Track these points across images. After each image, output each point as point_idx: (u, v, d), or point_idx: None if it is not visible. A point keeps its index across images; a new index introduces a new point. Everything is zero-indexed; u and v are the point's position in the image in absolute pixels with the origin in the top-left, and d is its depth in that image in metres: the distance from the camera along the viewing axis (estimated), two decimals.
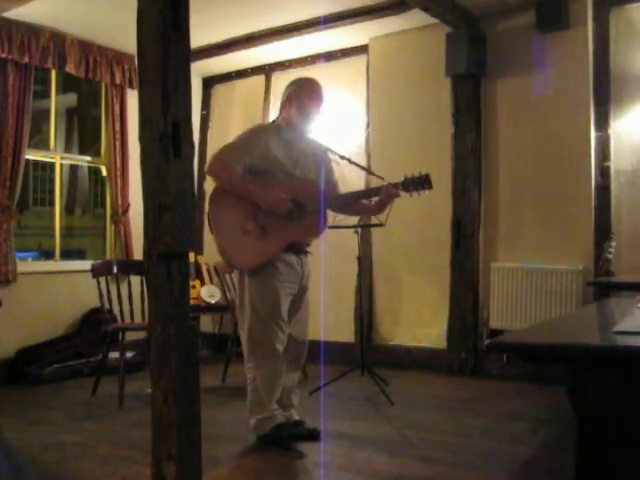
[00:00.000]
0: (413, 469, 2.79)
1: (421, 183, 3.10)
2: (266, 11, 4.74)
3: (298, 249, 3.12)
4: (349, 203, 3.25)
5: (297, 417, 3.22)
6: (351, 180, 3.60)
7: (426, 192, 3.13)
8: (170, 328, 2.17)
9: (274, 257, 3.02)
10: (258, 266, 3.01)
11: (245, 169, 3.01)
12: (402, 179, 3.12)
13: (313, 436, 3.12)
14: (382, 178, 3.17)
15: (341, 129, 5.30)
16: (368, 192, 3.31)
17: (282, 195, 3.00)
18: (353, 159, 3.27)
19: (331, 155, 3.31)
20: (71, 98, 9.41)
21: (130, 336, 4.43)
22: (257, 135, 3.12)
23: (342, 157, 3.25)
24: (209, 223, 3.05)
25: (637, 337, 1.57)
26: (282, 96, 3.21)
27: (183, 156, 2.18)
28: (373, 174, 3.36)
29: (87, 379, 4.47)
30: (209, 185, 6.09)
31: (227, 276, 4.75)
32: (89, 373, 4.64)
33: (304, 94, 3.13)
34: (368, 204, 3.28)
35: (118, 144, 5.41)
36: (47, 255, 5.85)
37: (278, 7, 4.65)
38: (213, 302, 5.31)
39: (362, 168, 3.55)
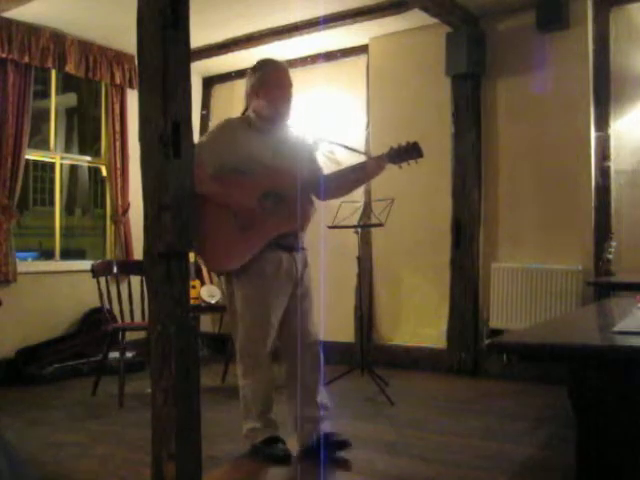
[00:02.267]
0: (413, 469, 2.79)
1: (408, 152, 2.87)
2: (266, 11, 4.74)
3: (287, 246, 2.91)
4: (336, 183, 3.01)
5: (327, 430, 2.95)
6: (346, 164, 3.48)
7: (416, 161, 2.89)
8: (170, 328, 2.16)
9: (257, 255, 2.82)
10: (242, 268, 2.83)
11: (215, 170, 2.83)
12: (387, 150, 2.91)
13: (342, 447, 2.90)
14: (366, 154, 2.95)
15: (341, 129, 5.29)
16: (352, 169, 2.98)
17: (246, 196, 2.81)
18: (353, 160, 3.15)
19: (307, 140, 3.11)
20: (71, 98, 9.41)
21: (130, 336, 4.43)
22: (224, 131, 2.93)
23: (319, 140, 3.08)
24: None
25: (637, 337, 1.57)
26: (245, 85, 3.00)
27: (183, 156, 2.18)
28: (356, 151, 3.13)
29: (87, 379, 4.47)
30: None
31: None
32: (89, 373, 4.64)
33: (269, 83, 2.92)
34: (356, 178, 3.02)
35: (118, 144, 5.41)
36: (47, 255, 5.84)
37: (278, 7, 4.65)
38: (213, 302, 5.31)
39: (343, 146, 3.24)
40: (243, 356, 2.93)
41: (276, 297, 2.90)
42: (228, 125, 3.00)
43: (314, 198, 3.04)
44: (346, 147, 3.17)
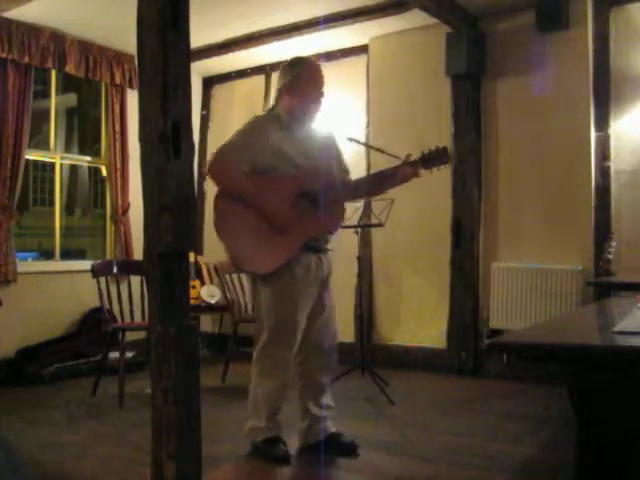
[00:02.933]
0: (413, 469, 2.79)
1: (439, 158, 2.82)
2: (266, 11, 4.74)
3: (317, 248, 2.88)
4: (365, 188, 3.01)
5: (333, 429, 3.02)
6: (351, 162, 3.46)
7: (444, 167, 2.86)
8: (170, 328, 2.16)
9: (292, 258, 2.78)
10: (276, 270, 2.77)
11: (251, 168, 2.78)
12: (419, 156, 2.84)
13: (349, 451, 2.93)
14: (397, 157, 2.89)
15: (341, 129, 5.28)
16: (384, 174, 2.93)
17: (282, 202, 2.77)
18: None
19: (337, 139, 3.09)
20: (71, 98, 9.40)
21: (130, 336, 4.43)
22: (256, 130, 2.86)
23: (350, 139, 3.04)
24: (216, 231, 2.81)
25: (637, 337, 1.57)
26: (278, 82, 2.94)
27: (183, 156, 2.18)
28: (387, 153, 3.06)
29: (87, 379, 4.47)
30: (209, 185, 6.12)
31: (227, 276, 4.76)
32: (89, 373, 4.63)
33: (304, 80, 2.87)
34: (385, 183, 2.97)
35: (118, 144, 5.41)
36: (47, 255, 5.84)
37: (278, 7, 4.65)
38: (213, 302, 5.31)
39: (374, 148, 3.17)
40: (265, 356, 2.88)
41: (304, 300, 2.86)
42: (259, 123, 2.92)
43: None
44: (379, 150, 3.11)
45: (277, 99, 2.95)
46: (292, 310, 2.82)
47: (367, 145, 3.04)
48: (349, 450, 2.93)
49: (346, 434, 3.03)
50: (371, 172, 2.98)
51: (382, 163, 3.07)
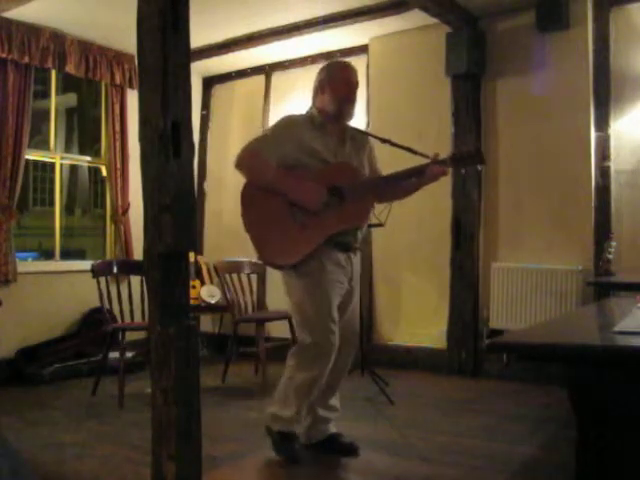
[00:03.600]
0: (413, 469, 2.79)
1: (472, 158, 2.86)
2: (266, 11, 4.74)
3: (346, 246, 2.87)
4: (393, 186, 3.01)
5: (334, 430, 3.02)
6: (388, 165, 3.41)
7: (479, 167, 2.90)
8: (170, 328, 2.16)
9: (317, 251, 2.78)
10: (299, 263, 2.79)
11: (278, 163, 2.81)
12: (450, 154, 2.90)
13: (350, 452, 2.94)
14: (427, 156, 2.90)
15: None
16: (412, 172, 2.94)
17: (317, 189, 2.78)
18: (414, 149, 3.02)
19: (370, 139, 3.10)
20: (71, 98, 9.41)
21: (130, 336, 4.42)
22: (288, 127, 2.90)
23: (383, 140, 3.03)
24: (243, 223, 2.85)
25: (637, 337, 1.57)
26: (314, 83, 2.99)
27: (183, 156, 2.18)
28: (418, 153, 3.04)
29: (87, 379, 4.47)
30: (209, 185, 6.13)
31: (227, 276, 4.75)
32: (89, 373, 4.63)
33: (337, 80, 2.92)
34: (412, 183, 3.00)
35: (118, 144, 5.41)
36: (47, 255, 5.84)
37: (278, 7, 4.65)
38: (213, 302, 5.31)
39: (405, 148, 3.05)
40: (305, 350, 2.83)
41: (334, 290, 2.84)
42: (291, 121, 2.97)
43: None
44: (410, 150, 3.10)
45: (313, 99, 3.00)
46: (327, 300, 2.80)
47: (400, 146, 3.03)
48: (349, 451, 2.93)
49: (346, 435, 3.02)
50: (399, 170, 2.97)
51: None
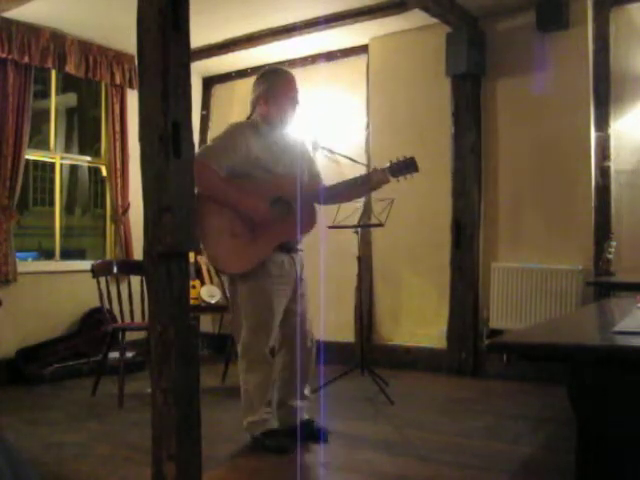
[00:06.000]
0: (413, 469, 2.79)
1: (407, 167, 3.00)
2: (266, 11, 4.74)
3: (288, 247, 3.06)
4: (338, 193, 3.14)
5: (307, 416, 3.19)
6: (350, 173, 3.53)
7: (412, 176, 3.04)
8: (170, 328, 2.16)
9: (266, 257, 2.96)
10: (250, 270, 2.96)
11: (228, 173, 2.94)
12: (387, 165, 3.03)
13: (321, 436, 3.10)
14: (367, 166, 3.11)
15: (341, 129, 5.29)
16: (356, 181, 3.10)
17: (260, 202, 2.94)
18: (353, 159, 3.21)
19: (308, 146, 3.27)
20: (71, 98, 9.42)
21: (130, 336, 4.43)
22: (235, 135, 3.01)
23: (322, 147, 3.19)
24: (198, 233, 2.96)
25: (637, 337, 1.57)
26: (253, 91, 3.10)
27: (183, 156, 2.18)
28: (357, 162, 3.28)
29: (87, 379, 4.47)
30: None
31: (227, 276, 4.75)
32: (89, 373, 4.64)
33: (279, 89, 3.05)
34: (357, 189, 3.16)
35: (118, 144, 5.40)
36: (47, 255, 5.85)
37: (278, 7, 4.65)
38: (213, 302, 5.31)
39: (345, 157, 3.40)
40: (247, 353, 3.04)
41: (279, 298, 3.03)
42: (238, 129, 3.07)
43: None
44: (347, 157, 3.24)
45: (253, 107, 3.12)
46: (268, 305, 2.99)
47: (337, 154, 3.23)
48: (321, 436, 3.10)
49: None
50: (344, 179, 3.15)
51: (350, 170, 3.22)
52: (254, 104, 3.11)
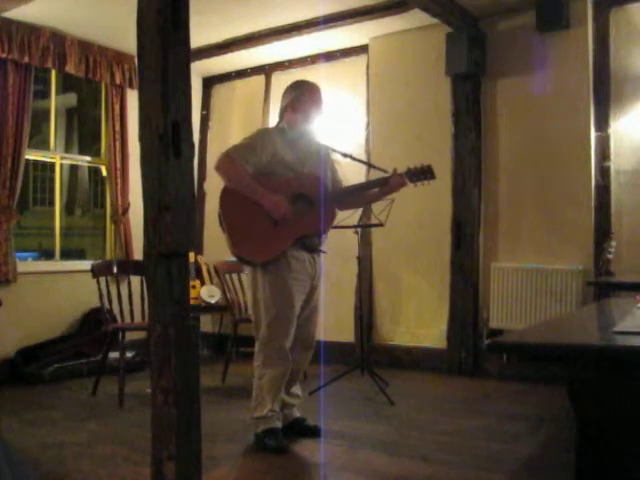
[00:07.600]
0: (413, 469, 2.79)
1: (424, 174, 3.19)
2: (266, 11, 4.74)
3: (311, 247, 3.13)
4: (356, 196, 3.33)
5: (298, 414, 3.26)
6: (352, 178, 3.59)
7: (429, 182, 3.20)
8: (170, 328, 2.16)
9: (285, 251, 3.03)
10: (269, 261, 3.03)
11: (254, 170, 3.06)
12: (406, 170, 3.19)
13: (313, 434, 3.17)
14: (385, 171, 3.22)
15: (341, 129, 5.29)
16: (376, 183, 3.30)
17: (282, 200, 3.03)
18: (373, 164, 3.32)
19: (333, 154, 3.39)
20: (71, 98, 9.40)
21: (130, 336, 4.43)
22: (264, 137, 3.18)
23: (344, 155, 3.34)
24: (220, 221, 3.09)
25: (637, 337, 1.57)
26: (282, 101, 3.27)
27: (183, 156, 2.18)
28: (376, 167, 3.41)
29: (87, 379, 4.47)
30: (209, 185, 6.12)
31: (227, 276, 4.76)
32: (89, 373, 4.63)
33: (307, 100, 3.21)
34: (373, 193, 3.33)
35: (118, 144, 5.41)
36: (47, 255, 5.84)
37: (278, 7, 4.65)
38: (213, 302, 5.31)
39: (364, 163, 3.61)
40: (266, 347, 3.08)
41: (298, 290, 3.09)
42: (266, 132, 3.36)
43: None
44: (365, 163, 3.51)
45: (281, 115, 3.28)
46: (289, 298, 3.05)
47: (359, 160, 3.36)
48: (313, 433, 3.18)
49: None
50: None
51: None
52: (282, 112, 3.27)
